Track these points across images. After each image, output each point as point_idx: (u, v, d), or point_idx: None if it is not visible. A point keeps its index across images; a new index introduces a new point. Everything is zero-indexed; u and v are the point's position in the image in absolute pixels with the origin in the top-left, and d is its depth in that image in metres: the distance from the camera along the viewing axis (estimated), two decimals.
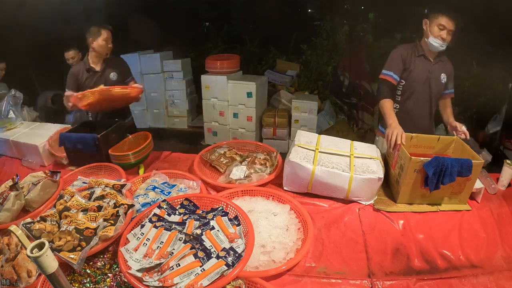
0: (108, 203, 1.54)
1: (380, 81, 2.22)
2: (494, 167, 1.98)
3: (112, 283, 1.28)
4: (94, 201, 1.57)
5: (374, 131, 2.56)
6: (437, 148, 1.91)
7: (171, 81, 4.95)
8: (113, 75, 2.95)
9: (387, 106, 2.08)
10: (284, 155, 1.85)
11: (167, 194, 1.72)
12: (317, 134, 1.99)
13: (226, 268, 1.15)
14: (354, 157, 1.78)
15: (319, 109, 4.65)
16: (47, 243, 0.84)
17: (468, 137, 1.85)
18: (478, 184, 1.71)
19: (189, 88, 5.10)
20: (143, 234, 1.33)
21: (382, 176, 1.64)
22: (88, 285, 1.28)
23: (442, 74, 2.18)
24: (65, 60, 3.67)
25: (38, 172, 1.91)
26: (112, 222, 1.42)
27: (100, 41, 2.53)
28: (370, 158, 1.78)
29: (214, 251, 1.22)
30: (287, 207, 1.62)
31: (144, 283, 1.13)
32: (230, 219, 1.39)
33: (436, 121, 4.04)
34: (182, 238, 1.27)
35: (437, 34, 2.06)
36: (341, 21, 5.24)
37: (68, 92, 2.39)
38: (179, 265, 1.16)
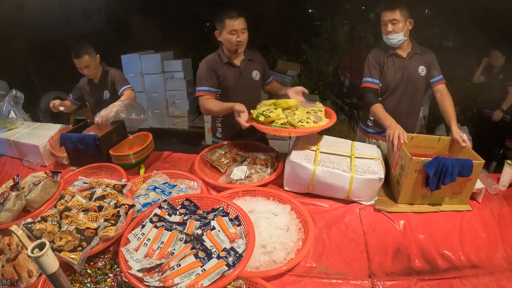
0: (109, 203, 1.54)
1: (363, 89, 2.23)
2: (494, 167, 1.98)
3: (112, 283, 1.28)
4: (95, 201, 1.57)
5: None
6: (438, 149, 1.91)
7: (172, 81, 4.95)
8: None
9: (379, 110, 2.07)
10: (284, 155, 1.85)
11: (167, 194, 1.72)
12: (318, 134, 1.99)
13: (226, 268, 1.15)
14: (355, 157, 1.77)
15: None
16: (47, 243, 0.84)
17: (470, 145, 1.77)
18: (479, 184, 1.71)
19: (190, 88, 5.10)
20: (144, 234, 1.33)
21: (383, 176, 1.64)
22: (88, 285, 1.28)
23: (420, 67, 2.16)
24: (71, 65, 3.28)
25: (39, 172, 1.91)
26: (113, 222, 1.42)
27: (225, 34, 2.10)
28: (371, 159, 1.78)
29: (215, 251, 1.22)
30: (287, 207, 1.61)
31: (144, 283, 1.13)
32: (230, 219, 1.39)
33: (437, 121, 4.05)
34: (182, 238, 1.27)
35: (384, 31, 2.10)
36: (341, 21, 5.24)
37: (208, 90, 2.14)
38: (180, 265, 1.16)
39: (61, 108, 2.53)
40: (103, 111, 2.19)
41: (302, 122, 1.75)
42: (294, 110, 1.91)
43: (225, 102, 2.09)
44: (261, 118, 1.80)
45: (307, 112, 1.89)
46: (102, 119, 2.15)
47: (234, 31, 2.05)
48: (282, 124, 1.76)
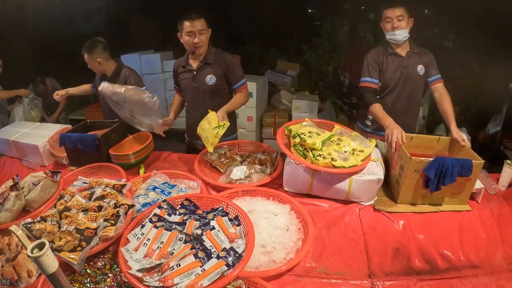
0: (108, 203, 1.54)
1: (362, 89, 2.24)
2: (494, 167, 1.98)
3: (112, 283, 1.28)
4: (94, 201, 1.57)
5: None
6: (437, 149, 1.91)
7: (172, 81, 4.93)
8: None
9: (378, 109, 2.08)
10: (284, 155, 1.84)
11: (167, 194, 1.72)
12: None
13: (226, 268, 1.15)
14: None
15: (319, 109, 4.65)
16: (47, 243, 0.84)
17: (469, 145, 1.77)
18: (478, 185, 1.71)
19: None
20: (144, 234, 1.33)
21: (382, 177, 1.64)
22: (88, 285, 1.28)
23: (418, 66, 2.17)
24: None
25: (39, 172, 1.91)
26: (113, 222, 1.42)
27: (184, 35, 2.12)
28: (370, 160, 1.78)
29: (215, 251, 1.23)
30: (287, 207, 1.61)
31: (144, 283, 1.13)
32: (230, 219, 1.39)
33: (437, 121, 4.05)
34: (182, 238, 1.27)
35: (389, 28, 2.12)
36: (341, 21, 5.24)
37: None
38: (180, 265, 1.16)
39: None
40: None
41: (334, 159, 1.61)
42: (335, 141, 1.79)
43: (186, 101, 2.45)
44: (297, 140, 1.71)
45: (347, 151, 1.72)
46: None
47: (191, 32, 2.08)
48: (319, 155, 1.62)
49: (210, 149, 1.88)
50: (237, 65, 2.28)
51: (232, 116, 2.43)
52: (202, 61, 2.22)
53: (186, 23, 2.07)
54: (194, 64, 2.26)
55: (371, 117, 2.34)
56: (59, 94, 2.68)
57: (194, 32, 2.08)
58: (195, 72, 2.24)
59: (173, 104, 2.56)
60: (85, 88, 2.82)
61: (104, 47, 2.48)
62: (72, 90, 2.78)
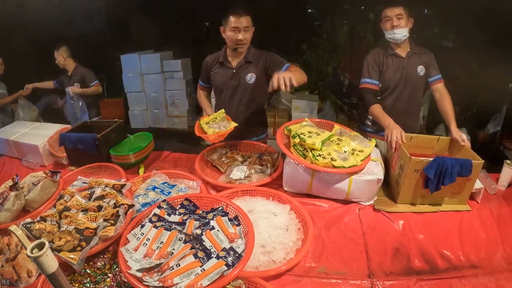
0: (108, 203, 1.54)
1: (362, 90, 2.24)
2: (494, 167, 1.98)
3: (112, 283, 1.28)
4: (94, 201, 1.57)
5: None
6: (437, 149, 1.91)
7: (171, 81, 4.94)
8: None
9: (378, 110, 2.08)
10: (285, 156, 1.84)
11: (167, 194, 1.72)
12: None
13: (226, 268, 1.15)
14: None
15: (319, 109, 4.65)
16: (47, 243, 0.84)
17: (469, 145, 1.77)
18: (478, 184, 1.71)
19: (189, 88, 5.09)
20: (143, 234, 1.33)
21: (381, 177, 1.64)
22: (88, 285, 1.28)
23: (419, 67, 2.17)
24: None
25: (38, 172, 1.91)
26: (112, 222, 1.42)
27: (227, 30, 2.06)
28: (370, 160, 1.77)
29: (214, 251, 1.22)
30: (287, 207, 1.61)
31: (144, 283, 1.13)
32: (230, 219, 1.39)
33: (437, 121, 4.05)
34: (182, 238, 1.27)
35: (388, 27, 2.11)
36: (341, 21, 5.24)
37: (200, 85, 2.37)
38: (179, 265, 1.16)
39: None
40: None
41: (333, 159, 1.61)
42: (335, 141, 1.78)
43: (218, 99, 2.32)
44: (296, 140, 1.71)
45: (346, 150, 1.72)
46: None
47: (236, 28, 2.00)
48: (318, 155, 1.63)
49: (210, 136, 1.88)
50: (274, 55, 2.18)
51: (261, 112, 2.43)
52: (243, 59, 2.14)
53: (232, 18, 1.99)
54: (233, 61, 2.17)
55: (371, 117, 2.34)
56: (28, 87, 3.58)
57: (239, 28, 2.00)
58: (234, 71, 2.16)
59: (206, 100, 2.35)
60: (48, 83, 3.76)
61: (67, 48, 3.50)
62: (39, 85, 3.70)
